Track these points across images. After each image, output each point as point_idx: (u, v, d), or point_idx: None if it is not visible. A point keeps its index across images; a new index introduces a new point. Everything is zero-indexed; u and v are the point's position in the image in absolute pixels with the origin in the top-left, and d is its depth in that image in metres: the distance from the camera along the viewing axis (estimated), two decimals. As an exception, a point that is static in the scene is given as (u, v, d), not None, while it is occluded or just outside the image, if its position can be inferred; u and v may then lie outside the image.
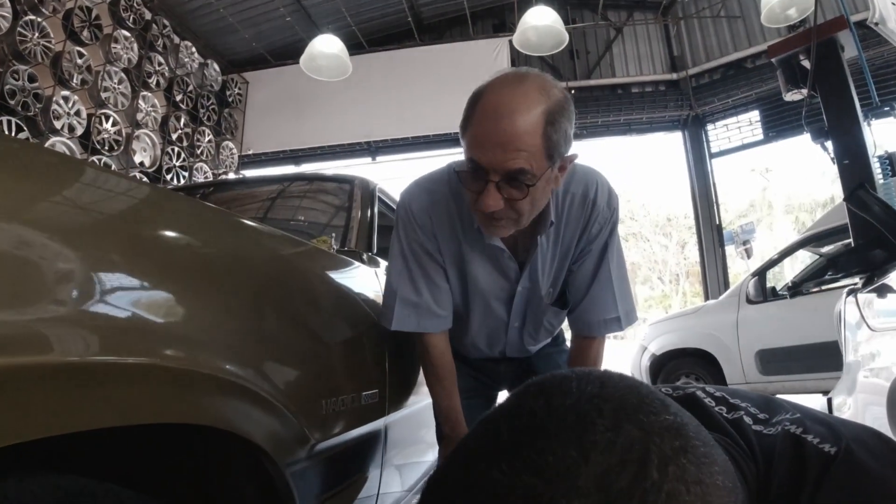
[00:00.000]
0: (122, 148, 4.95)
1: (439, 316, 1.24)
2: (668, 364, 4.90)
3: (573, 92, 6.74)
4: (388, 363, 1.26)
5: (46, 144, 4.15)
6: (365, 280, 1.33)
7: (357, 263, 1.36)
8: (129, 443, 0.75)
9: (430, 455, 1.71)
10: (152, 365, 0.60)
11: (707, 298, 6.54)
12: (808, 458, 0.47)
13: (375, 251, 1.62)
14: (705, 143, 6.99)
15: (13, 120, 3.96)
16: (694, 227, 7.23)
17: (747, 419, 0.54)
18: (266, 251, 0.96)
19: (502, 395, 1.61)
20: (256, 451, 0.77)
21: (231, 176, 6.55)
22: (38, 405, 0.50)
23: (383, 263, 1.51)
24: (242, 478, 0.84)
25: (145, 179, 5.07)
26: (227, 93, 6.73)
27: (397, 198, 1.29)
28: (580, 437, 0.35)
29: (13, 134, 3.88)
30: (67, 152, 4.25)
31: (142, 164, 5.24)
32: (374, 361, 1.21)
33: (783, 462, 0.48)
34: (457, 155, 1.14)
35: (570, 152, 1.03)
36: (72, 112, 4.44)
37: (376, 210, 1.82)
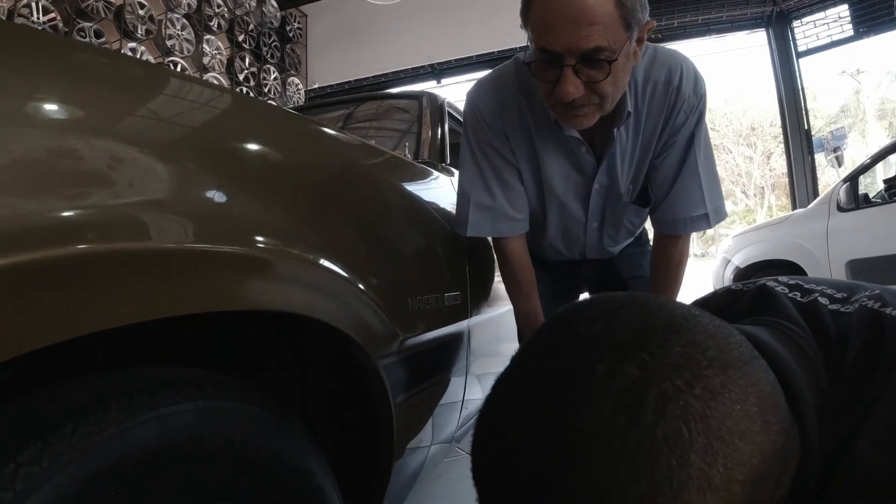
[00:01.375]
0: (193, 92, 5.08)
1: (515, 219, 1.22)
2: (752, 277, 4.71)
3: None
4: (468, 268, 1.26)
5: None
6: (442, 187, 1.33)
7: (432, 171, 1.35)
8: (227, 332, 0.80)
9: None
10: (249, 255, 0.62)
11: (795, 208, 6.17)
12: (886, 333, 0.43)
13: (448, 163, 1.60)
14: (791, 42, 6.40)
15: None
16: (780, 135, 6.73)
17: (823, 300, 0.50)
18: (351, 156, 0.96)
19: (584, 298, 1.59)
20: (349, 343, 0.80)
21: (299, 112, 6.62)
22: (139, 290, 0.52)
23: (457, 173, 1.50)
24: (332, 371, 0.87)
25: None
26: (287, 28, 6.71)
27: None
28: (576, 390, 0.36)
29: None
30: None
31: (214, 105, 5.38)
32: (455, 265, 1.21)
33: (859, 338, 0.45)
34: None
35: (646, 19, 0.94)
36: (141, 62, 4.56)
37: (447, 123, 1.80)
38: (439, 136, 1.69)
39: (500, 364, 1.67)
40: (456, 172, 1.50)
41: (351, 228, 0.85)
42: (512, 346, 1.63)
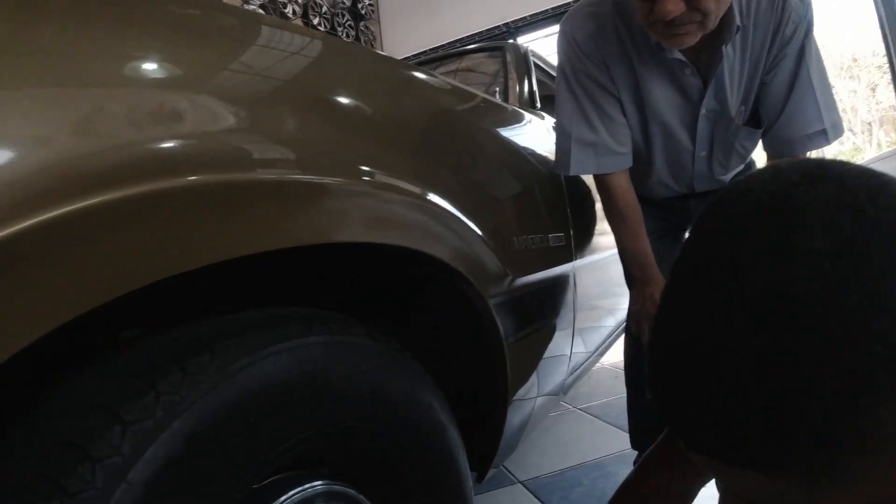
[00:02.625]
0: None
1: (619, 153, 1.16)
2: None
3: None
4: (570, 210, 1.22)
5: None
6: (536, 131, 1.28)
7: (527, 115, 1.31)
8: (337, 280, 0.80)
9: (621, 306, 1.68)
10: (366, 188, 0.62)
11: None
12: None
13: (539, 107, 1.56)
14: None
15: None
16: (885, 65, 6.07)
17: None
18: (449, 100, 0.95)
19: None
20: (460, 282, 0.79)
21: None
22: (261, 220, 0.52)
23: (549, 119, 1.45)
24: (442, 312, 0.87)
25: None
26: (360, 6, 6.75)
27: (552, 60, 1.20)
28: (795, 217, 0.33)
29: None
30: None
31: (297, 89, 5.52)
32: (557, 207, 1.18)
33: None
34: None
35: None
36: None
37: (533, 70, 1.74)
38: (527, 84, 1.64)
39: (606, 312, 1.63)
40: (548, 118, 1.45)
41: (453, 169, 0.83)
42: (618, 291, 1.58)
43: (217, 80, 0.53)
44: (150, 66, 0.48)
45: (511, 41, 1.89)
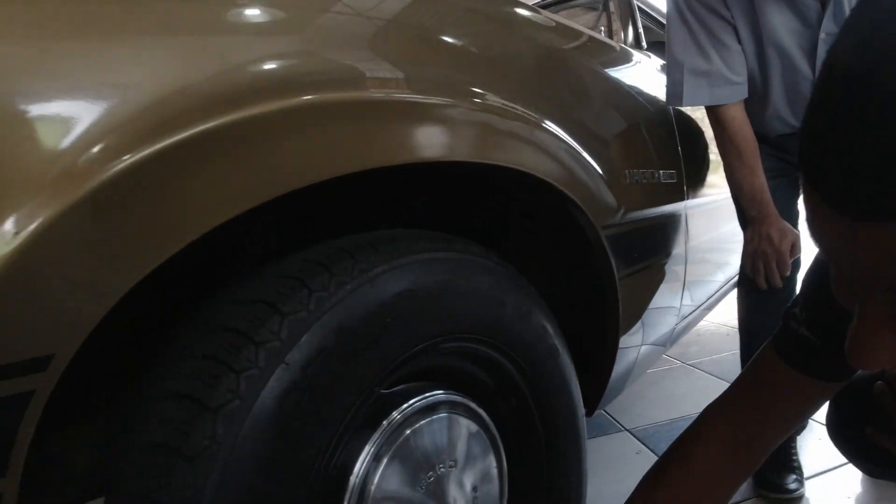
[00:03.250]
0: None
1: (734, 83, 1.12)
2: None
3: None
4: (681, 148, 1.19)
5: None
6: (646, 69, 1.25)
7: (635, 53, 1.28)
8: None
9: (731, 261, 1.62)
10: (485, 106, 0.64)
11: None
12: None
13: (646, 47, 1.51)
14: None
15: None
16: None
17: None
18: (558, 36, 0.95)
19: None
20: (572, 210, 0.80)
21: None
22: (368, 138, 0.55)
23: (656, 59, 1.41)
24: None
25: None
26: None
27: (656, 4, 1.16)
28: None
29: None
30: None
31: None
32: (668, 145, 1.15)
33: None
34: None
35: None
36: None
37: (637, 14, 1.68)
38: (632, 27, 1.59)
39: (716, 266, 1.57)
40: (656, 59, 1.41)
41: (563, 99, 0.84)
42: (729, 244, 1.52)
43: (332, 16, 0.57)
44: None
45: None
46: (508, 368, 0.74)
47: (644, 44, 1.52)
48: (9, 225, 0.36)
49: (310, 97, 0.50)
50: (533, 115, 0.71)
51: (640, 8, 1.78)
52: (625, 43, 1.49)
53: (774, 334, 0.66)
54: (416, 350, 0.61)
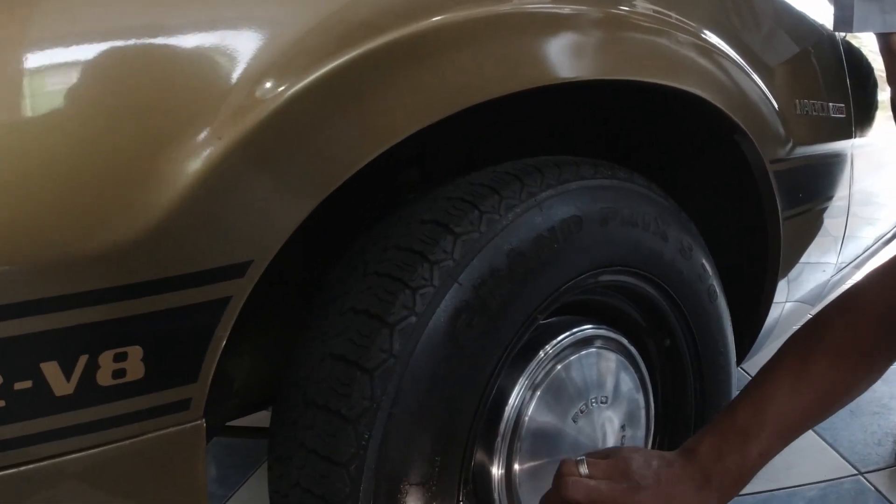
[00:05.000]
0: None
1: None
2: None
3: None
4: (850, 81, 1.06)
5: None
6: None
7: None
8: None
9: (891, 211, 1.46)
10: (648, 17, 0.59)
11: None
12: None
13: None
14: None
15: None
16: None
17: None
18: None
19: None
20: (741, 143, 0.73)
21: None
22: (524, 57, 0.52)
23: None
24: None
25: None
26: None
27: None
28: None
29: None
30: None
31: None
32: (837, 75, 1.03)
33: None
34: None
35: None
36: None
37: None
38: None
39: (875, 218, 1.42)
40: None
41: (734, 19, 0.76)
42: (892, 187, 1.37)
43: None
44: None
45: None
46: (665, 307, 0.70)
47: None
48: (213, 133, 0.37)
49: (484, 10, 0.48)
50: (697, 26, 0.65)
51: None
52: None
53: None
54: (580, 279, 0.59)
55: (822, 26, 1.06)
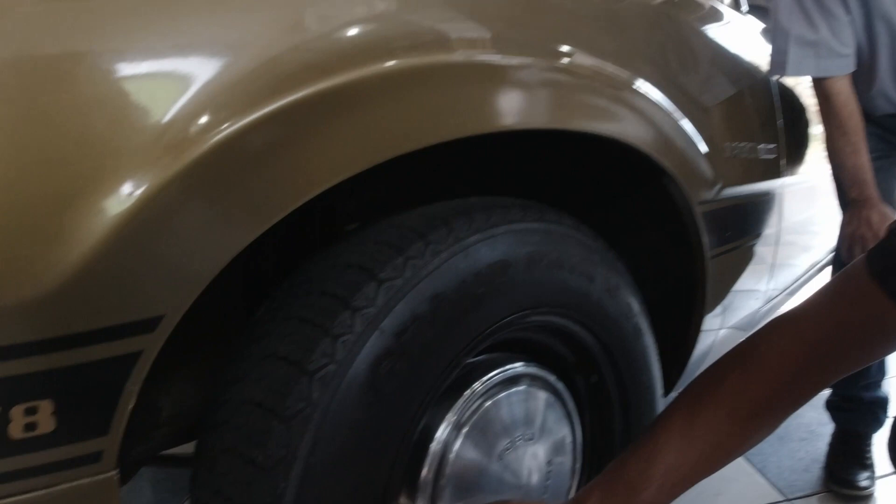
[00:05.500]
0: None
1: (841, 55, 1.06)
2: None
3: None
4: (782, 121, 1.12)
5: None
6: (747, 34, 1.17)
7: (737, 17, 1.20)
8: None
9: (821, 245, 1.53)
10: (577, 71, 0.61)
11: None
12: None
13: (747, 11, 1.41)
14: None
15: None
16: None
17: None
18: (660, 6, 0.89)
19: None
20: (668, 185, 0.76)
21: None
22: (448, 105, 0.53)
23: (760, 25, 1.32)
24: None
25: None
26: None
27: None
28: None
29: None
30: None
31: None
32: (768, 116, 1.08)
33: None
34: None
35: None
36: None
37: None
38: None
39: (805, 248, 1.49)
40: (758, 23, 1.32)
41: (660, 60, 0.79)
42: (820, 227, 1.44)
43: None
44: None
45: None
46: (591, 345, 0.72)
47: (745, 6, 1.43)
48: (124, 187, 0.36)
49: (415, 60, 0.49)
50: (631, 77, 0.67)
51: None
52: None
53: (871, 249, 0.55)
54: (505, 321, 0.60)
55: (756, 68, 1.11)
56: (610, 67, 0.66)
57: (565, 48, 0.62)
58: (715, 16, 1.09)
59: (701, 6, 1.07)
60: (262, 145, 0.41)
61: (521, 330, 0.68)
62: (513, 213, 0.61)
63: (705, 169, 0.80)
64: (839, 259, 1.18)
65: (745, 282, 1.09)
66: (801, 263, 1.48)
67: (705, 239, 0.82)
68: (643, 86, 0.70)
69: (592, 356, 0.73)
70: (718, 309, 1.02)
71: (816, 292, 0.59)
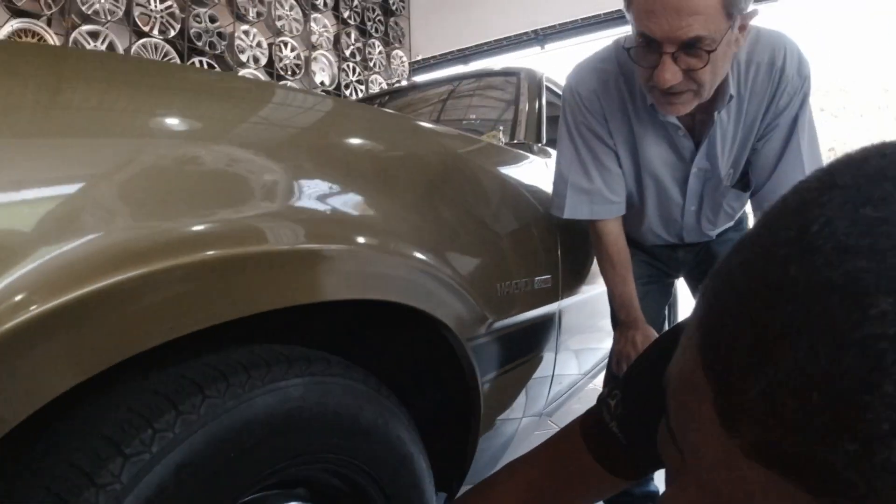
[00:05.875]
0: (302, 71, 5.29)
1: (612, 202, 1.23)
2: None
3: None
4: (560, 251, 1.28)
5: (240, 74, 4.53)
6: (535, 170, 1.34)
7: (527, 155, 1.37)
8: (338, 319, 0.88)
9: (605, 341, 1.74)
10: (351, 250, 0.69)
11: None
12: None
13: (545, 142, 1.61)
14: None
15: (204, 60, 4.33)
16: None
17: None
18: (441, 149, 1.00)
19: (679, 283, 1.58)
20: (441, 327, 0.86)
21: (404, 84, 6.76)
22: (256, 285, 0.60)
23: (554, 153, 1.51)
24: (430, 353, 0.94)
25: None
26: (391, 1, 6.80)
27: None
28: None
29: (208, 71, 4.27)
30: (260, 77, 4.64)
31: (322, 83, 5.58)
32: (546, 249, 1.24)
33: None
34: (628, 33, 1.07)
35: (751, 7, 0.91)
36: (253, 44, 4.78)
37: (544, 101, 1.79)
38: (536, 115, 1.69)
39: (592, 340, 1.68)
40: (552, 152, 1.51)
41: (445, 219, 0.90)
42: (605, 325, 1.64)
43: (210, 160, 0.60)
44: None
45: (528, 68, 1.94)
46: (364, 478, 0.78)
47: (544, 137, 1.63)
48: None
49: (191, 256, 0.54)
50: (405, 248, 0.77)
51: (551, 89, 1.91)
52: (526, 132, 1.59)
53: (585, 413, 0.68)
54: (267, 473, 0.64)
55: (542, 198, 1.27)
56: (390, 241, 0.75)
57: (339, 229, 0.70)
58: (505, 157, 1.25)
59: (493, 150, 1.22)
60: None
61: (295, 471, 0.72)
62: (275, 370, 0.66)
63: (475, 311, 0.92)
64: (611, 368, 1.35)
65: (532, 384, 1.23)
66: (578, 371, 1.67)
67: (476, 370, 0.93)
68: (419, 253, 0.80)
69: (364, 489, 0.79)
70: (519, 401, 1.14)
71: (546, 441, 0.71)
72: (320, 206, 0.68)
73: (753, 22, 0.97)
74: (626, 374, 0.67)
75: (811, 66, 1.08)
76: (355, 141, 0.79)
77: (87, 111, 0.54)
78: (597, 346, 1.74)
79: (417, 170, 0.89)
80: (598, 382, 2.48)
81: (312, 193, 0.67)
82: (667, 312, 1.44)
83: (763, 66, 1.07)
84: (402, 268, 0.76)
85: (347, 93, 5.89)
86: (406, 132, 0.94)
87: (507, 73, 1.97)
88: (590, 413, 0.67)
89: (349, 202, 0.72)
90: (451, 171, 0.97)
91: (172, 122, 0.58)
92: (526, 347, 1.17)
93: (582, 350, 1.60)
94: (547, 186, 1.33)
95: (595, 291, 1.52)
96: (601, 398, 0.66)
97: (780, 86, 1.08)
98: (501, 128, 1.43)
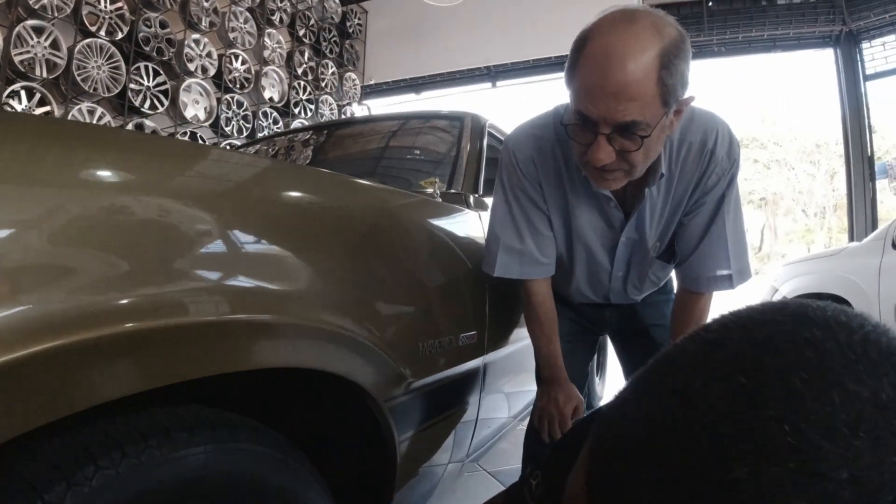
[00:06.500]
0: (251, 85, 5.22)
1: (542, 264, 1.25)
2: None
3: (710, 4, 6.15)
4: (488, 306, 1.30)
5: (182, 86, 4.41)
6: (469, 225, 1.36)
7: (462, 208, 1.39)
8: (257, 385, 0.86)
9: (529, 391, 1.76)
10: (269, 322, 0.68)
11: (852, 236, 5.95)
12: None
13: (482, 192, 1.64)
14: (859, 64, 6.13)
15: (150, 65, 4.20)
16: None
17: None
18: (371, 206, 1.01)
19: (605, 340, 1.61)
20: (358, 389, 0.85)
21: (355, 106, 6.75)
22: (180, 356, 0.60)
23: (489, 202, 1.53)
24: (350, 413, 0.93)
25: (275, 114, 5.36)
26: (348, 24, 6.83)
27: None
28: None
29: (150, 78, 4.14)
30: (202, 93, 4.54)
31: (271, 99, 5.52)
32: (474, 304, 1.25)
33: None
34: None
35: (687, 95, 0.95)
36: (203, 54, 4.69)
37: (485, 147, 1.82)
38: (475, 163, 1.72)
39: (516, 389, 1.70)
40: (488, 202, 1.53)
41: (368, 282, 0.90)
42: (529, 377, 1.66)
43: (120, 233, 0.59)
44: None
45: (473, 113, 1.97)
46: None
47: (481, 186, 1.65)
48: None
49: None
50: (325, 315, 0.77)
51: (491, 133, 1.94)
52: (464, 182, 1.61)
53: (509, 488, 0.69)
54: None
55: (466, 262, 1.28)
56: (313, 312, 0.75)
57: (259, 300, 0.69)
58: (438, 213, 1.26)
59: (429, 207, 1.23)
60: None
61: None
62: (175, 438, 0.64)
63: (394, 371, 0.91)
64: (533, 424, 1.36)
65: (460, 425, 1.23)
66: (503, 417, 1.68)
67: (394, 428, 0.92)
68: (338, 320, 0.79)
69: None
70: (442, 449, 1.13)
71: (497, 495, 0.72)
72: (239, 275, 0.67)
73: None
74: (545, 457, 0.69)
75: (740, 141, 1.14)
76: (281, 202, 0.78)
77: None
78: (522, 391, 1.76)
79: (346, 228, 0.89)
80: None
81: (232, 261, 0.66)
82: (589, 370, 1.47)
83: (695, 147, 1.11)
84: (319, 334, 0.76)
85: (297, 111, 5.84)
86: (336, 189, 0.94)
87: (452, 116, 2.00)
88: (512, 490, 0.68)
89: (270, 267, 0.72)
90: (381, 229, 0.98)
91: (92, 181, 0.57)
92: (448, 403, 1.18)
93: (511, 393, 1.61)
94: (480, 241, 1.35)
95: (522, 343, 1.54)
96: (524, 477, 0.67)
97: (710, 166, 1.13)
98: (437, 179, 1.44)
